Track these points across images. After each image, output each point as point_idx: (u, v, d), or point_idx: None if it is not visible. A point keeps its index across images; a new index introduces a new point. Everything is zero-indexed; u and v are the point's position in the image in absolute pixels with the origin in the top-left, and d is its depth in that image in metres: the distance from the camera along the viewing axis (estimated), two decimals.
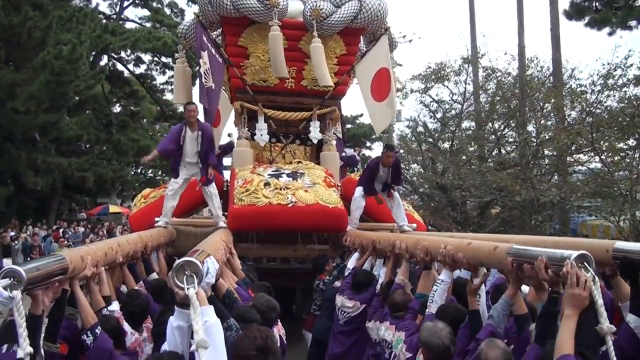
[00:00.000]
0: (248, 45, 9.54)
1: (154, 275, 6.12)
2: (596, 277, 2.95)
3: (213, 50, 9.01)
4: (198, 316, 2.69)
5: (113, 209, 35.48)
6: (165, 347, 3.09)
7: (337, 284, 6.97)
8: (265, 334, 3.05)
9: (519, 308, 3.78)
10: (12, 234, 20.74)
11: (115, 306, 4.44)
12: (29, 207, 29.04)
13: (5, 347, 2.92)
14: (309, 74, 9.63)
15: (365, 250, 6.99)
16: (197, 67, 9.39)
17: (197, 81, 9.14)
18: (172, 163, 8.18)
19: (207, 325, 2.78)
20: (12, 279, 2.87)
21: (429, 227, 17.44)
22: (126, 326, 4.26)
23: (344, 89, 10.39)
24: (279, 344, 3.44)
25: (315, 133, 9.83)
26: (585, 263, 2.98)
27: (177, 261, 2.92)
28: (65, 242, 20.05)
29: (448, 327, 3.88)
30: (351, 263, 6.99)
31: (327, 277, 7.61)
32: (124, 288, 5.38)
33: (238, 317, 3.83)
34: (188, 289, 2.78)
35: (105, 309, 4.26)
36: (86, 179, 30.49)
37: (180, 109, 38.48)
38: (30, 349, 2.83)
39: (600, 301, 2.87)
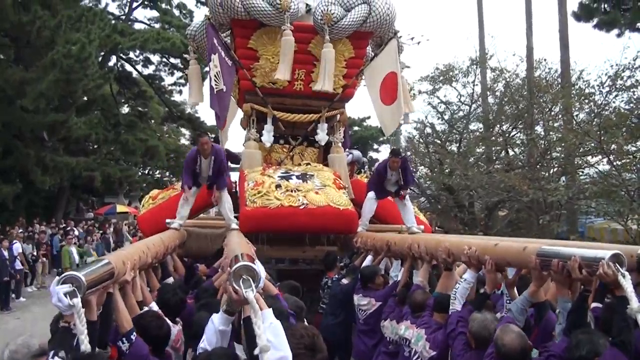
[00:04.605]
0: (258, 48, 9.53)
1: (171, 279, 6.15)
2: (627, 274, 3.18)
3: (223, 53, 9.00)
4: (260, 320, 2.69)
5: (120, 208, 35.62)
6: (204, 344, 3.09)
7: (345, 281, 7.00)
8: (312, 332, 3.07)
9: (537, 297, 3.90)
10: (20, 231, 20.83)
11: (154, 306, 4.53)
12: (36, 205, 29.11)
13: (51, 353, 2.90)
14: (317, 76, 9.60)
15: (378, 251, 7.04)
16: (207, 69, 9.41)
17: (206, 83, 9.16)
18: (186, 180, 8.32)
19: (272, 327, 2.77)
20: (72, 285, 2.91)
21: (436, 229, 17.45)
22: (167, 321, 4.28)
23: (352, 92, 10.37)
24: None
25: (322, 135, 9.84)
26: (617, 263, 3.20)
27: (235, 266, 2.91)
28: (73, 240, 20.09)
29: (496, 320, 4.03)
30: (365, 264, 7.04)
31: (335, 276, 7.62)
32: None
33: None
34: (246, 292, 2.78)
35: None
36: (94, 178, 30.57)
37: (189, 109, 38.81)
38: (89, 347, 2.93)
39: (629, 288, 3.10)
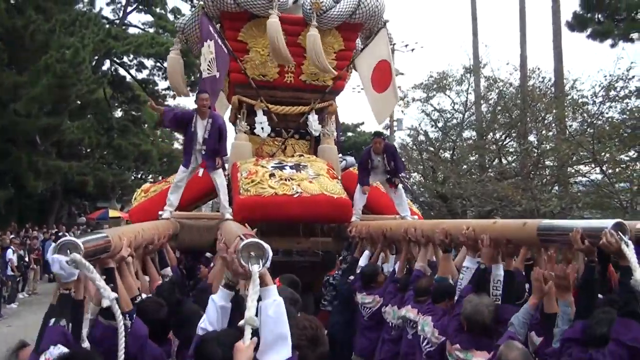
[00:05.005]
0: (248, 40, 9.57)
1: (168, 270, 6.01)
2: (630, 242, 3.12)
3: (219, 41, 8.97)
4: (256, 295, 2.64)
5: (113, 213, 35.41)
6: (204, 324, 3.04)
7: (352, 277, 6.93)
8: (315, 325, 3.03)
9: (550, 307, 3.78)
10: (12, 236, 20.72)
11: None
12: (29, 210, 28.99)
13: (52, 320, 2.92)
14: (307, 68, 9.65)
15: (374, 240, 6.98)
16: (197, 60, 9.32)
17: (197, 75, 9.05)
18: (184, 149, 8.28)
19: (275, 304, 2.72)
20: (70, 251, 2.89)
21: None
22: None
23: (343, 84, 10.45)
24: None
25: (315, 125, 9.84)
26: (620, 232, 3.14)
27: (245, 241, 2.86)
28: None
29: (492, 306, 4.03)
30: (363, 261, 6.96)
31: (336, 272, 7.60)
32: None
33: None
34: (252, 266, 2.74)
35: (139, 297, 4.16)
36: (86, 183, 30.49)
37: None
38: (114, 294, 3.02)
39: (633, 258, 3.04)
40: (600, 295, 3.64)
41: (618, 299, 3.19)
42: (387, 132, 23.13)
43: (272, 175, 8.23)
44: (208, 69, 8.55)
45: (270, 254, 2.85)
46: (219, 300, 3.01)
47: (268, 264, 2.84)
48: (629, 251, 3.06)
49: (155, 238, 5.77)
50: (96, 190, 33.54)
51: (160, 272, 5.80)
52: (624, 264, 3.12)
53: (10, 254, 16.97)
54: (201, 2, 9.40)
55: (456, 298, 4.54)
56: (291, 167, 8.58)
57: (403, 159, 22.23)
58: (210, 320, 2.99)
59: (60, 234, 24.26)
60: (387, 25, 9.89)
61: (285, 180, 8.15)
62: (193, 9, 35.12)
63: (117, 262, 3.83)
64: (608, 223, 3.21)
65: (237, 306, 2.99)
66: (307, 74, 9.78)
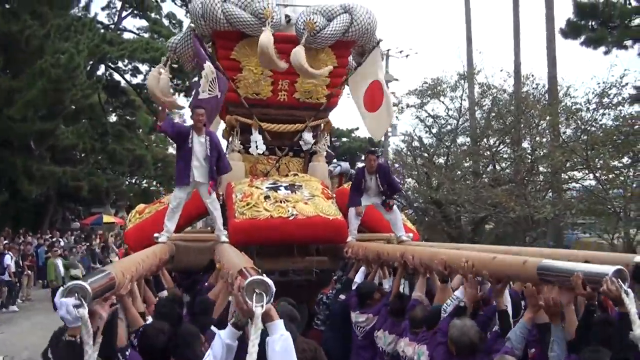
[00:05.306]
0: (241, 59, 9.50)
1: (165, 293, 6.03)
2: (630, 291, 3.14)
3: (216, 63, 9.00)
4: (257, 339, 2.67)
5: (107, 218, 35.35)
6: (209, 359, 3.06)
7: (342, 297, 6.95)
8: (314, 347, 3.05)
9: (541, 317, 3.85)
10: (5, 242, 20.67)
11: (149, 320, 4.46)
12: (23, 214, 28.93)
13: None
14: (301, 86, 9.63)
15: (370, 262, 7.00)
16: (194, 78, 9.25)
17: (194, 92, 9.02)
18: (179, 166, 8.09)
19: (283, 340, 2.77)
20: (78, 295, 2.90)
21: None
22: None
23: (336, 101, 10.38)
24: None
25: (308, 139, 9.83)
26: (620, 279, 3.17)
27: (249, 279, 2.90)
28: (59, 252, 19.90)
29: (476, 326, 4.09)
30: (358, 278, 6.99)
31: (331, 291, 7.58)
32: None
33: None
34: (256, 307, 2.76)
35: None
36: (81, 188, 30.38)
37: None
38: None
39: (633, 310, 3.04)
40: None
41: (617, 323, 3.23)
42: (382, 139, 23.12)
43: (267, 197, 8.22)
44: (210, 89, 8.50)
45: (274, 289, 2.89)
46: (225, 337, 3.04)
47: (272, 300, 2.88)
48: (629, 300, 3.09)
49: (155, 265, 5.82)
50: (90, 195, 33.44)
51: (157, 295, 5.84)
52: (622, 310, 3.15)
53: (9, 260, 16.98)
54: (192, 24, 9.34)
55: (436, 329, 4.57)
56: (286, 188, 8.57)
57: (397, 165, 22.43)
58: (215, 354, 3.02)
59: (54, 239, 24.26)
60: (379, 44, 9.92)
61: (281, 202, 8.14)
62: (189, 15, 35.40)
63: (117, 298, 3.86)
64: (609, 269, 3.23)
65: (244, 342, 3.02)
66: (301, 92, 9.74)
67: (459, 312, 4.44)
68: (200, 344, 3.82)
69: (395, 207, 8.76)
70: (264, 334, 2.76)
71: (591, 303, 3.49)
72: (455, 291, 4.76)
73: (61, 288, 3.00)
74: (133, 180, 42.74)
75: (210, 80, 8.52)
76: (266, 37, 8.65)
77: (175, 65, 10.60)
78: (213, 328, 3.86)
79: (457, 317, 4.26)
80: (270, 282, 2.90)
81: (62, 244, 23.35)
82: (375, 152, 8.98)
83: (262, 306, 2.79)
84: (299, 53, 8.91)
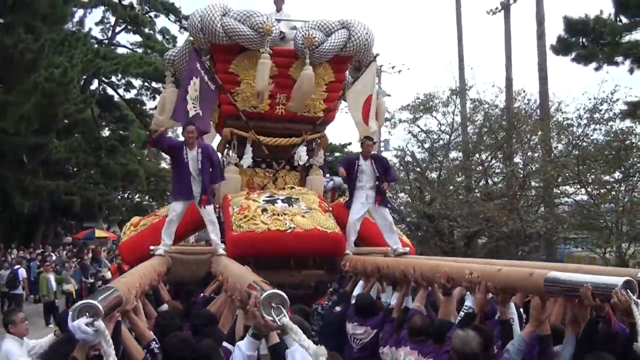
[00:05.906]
0: (239, 72, 9.58)
1: (165, 307, 6.02)
2: (638, 302, 3.15)
3: (206, 78, 9.00)
4: (304, 341, 2.79)
5: (99, 233, 35.11)
6: None
7: (337, 309, 6.91)
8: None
9: (544, 329, 3.87)
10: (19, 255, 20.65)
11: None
12: (15, 228, 28.78)
13: None
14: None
15: (368, 275, 6.94)
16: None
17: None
18: (174, 180, 8.14)
19: (302, 349, 2.86)
20: (89, 314, 2.92)
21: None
22: None
23: (333, 116, 10.51)
24: None
25: (302, 154, 9.90)
26: (629, 289, 3.18)
27: (265, 294, 2.94)
28: (51, 267, 19.78)
29: (479, 337, 4.00)
30: (357, 291, 6.91)
31: (326, 302, 7.51)
32: None
33: None
34: (280, 319, 2.82)
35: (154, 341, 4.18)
36: (73, 202, 30.26)
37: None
38: None
39: None
40: None
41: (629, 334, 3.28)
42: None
43: (264, 210, 8.23)
44: (194, 106, 8.54)
45: (288, 301, 2.94)
46: (246, 349, 3.08)
47: (288, 311, 2.94)
48: (637, 311, 3.10)
49: (154, 279, 5.84)
50: (83, 210, 33.30)
51: (157, 310, 5.79)
52: (630, 320, 3.18)
53: (24, 273, 17.04)
54: (190, 38, 9.37)
55: (445, 337, 4.53)
56: (283, 201, 8.59)
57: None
58: None
59: (46, 254, 24.11)
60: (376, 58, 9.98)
61: (278, 215, 8.16)
62: (182, 31, 35.55)
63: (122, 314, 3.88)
64: (618, 281, 3.24)
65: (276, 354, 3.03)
66: None
67: (469, 318, 4.43)
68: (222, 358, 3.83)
69: (389, 217, 8.64)
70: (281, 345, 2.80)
71: (599, 314, 3.50)
72: (466, 301, 4.74)
73: (70, 312, 3.00)
74: (126, 195, 42.67)
75: (193, 97, 8.54)
76: (266, 66, 8.83)
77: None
78: (225, 344, 3.85)
79: (464, 326, 4.24)
80: (284, 294, 2.93)
81: (54, 258, 23.21)
82: (371, 138, 8.92)
83: (285, 316, 2.84)
84: (311, 77, 9.09)
